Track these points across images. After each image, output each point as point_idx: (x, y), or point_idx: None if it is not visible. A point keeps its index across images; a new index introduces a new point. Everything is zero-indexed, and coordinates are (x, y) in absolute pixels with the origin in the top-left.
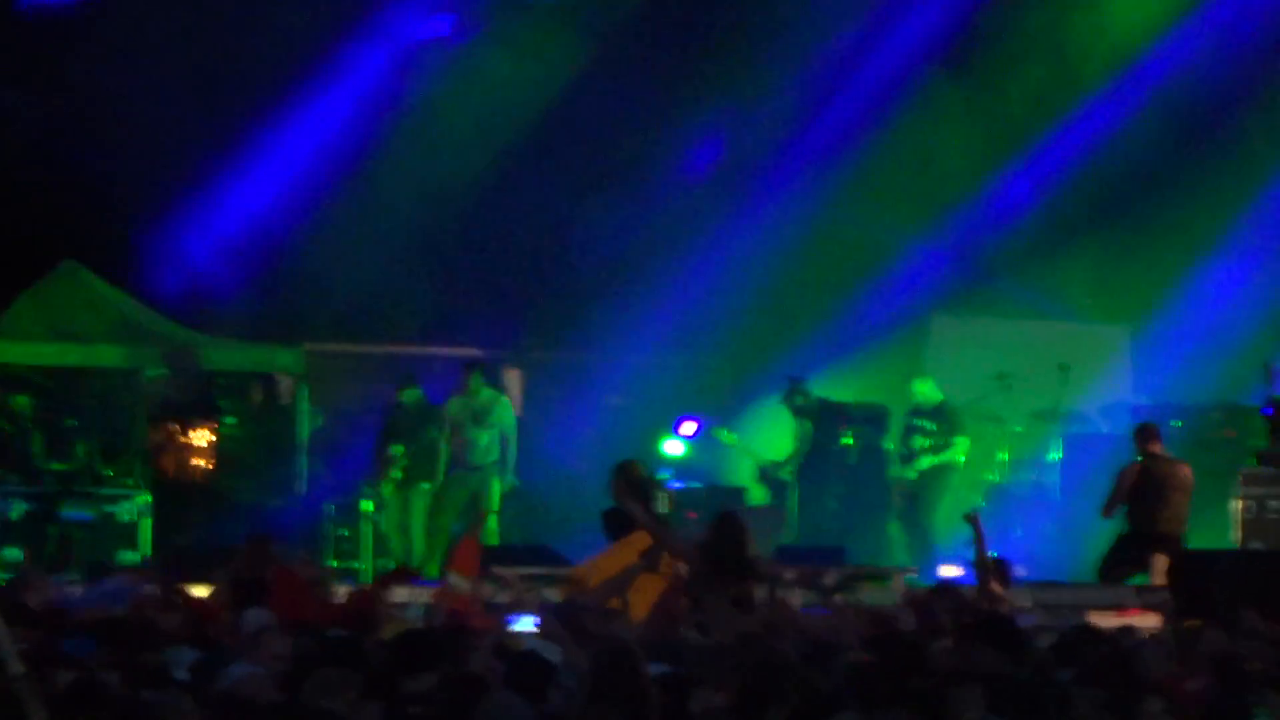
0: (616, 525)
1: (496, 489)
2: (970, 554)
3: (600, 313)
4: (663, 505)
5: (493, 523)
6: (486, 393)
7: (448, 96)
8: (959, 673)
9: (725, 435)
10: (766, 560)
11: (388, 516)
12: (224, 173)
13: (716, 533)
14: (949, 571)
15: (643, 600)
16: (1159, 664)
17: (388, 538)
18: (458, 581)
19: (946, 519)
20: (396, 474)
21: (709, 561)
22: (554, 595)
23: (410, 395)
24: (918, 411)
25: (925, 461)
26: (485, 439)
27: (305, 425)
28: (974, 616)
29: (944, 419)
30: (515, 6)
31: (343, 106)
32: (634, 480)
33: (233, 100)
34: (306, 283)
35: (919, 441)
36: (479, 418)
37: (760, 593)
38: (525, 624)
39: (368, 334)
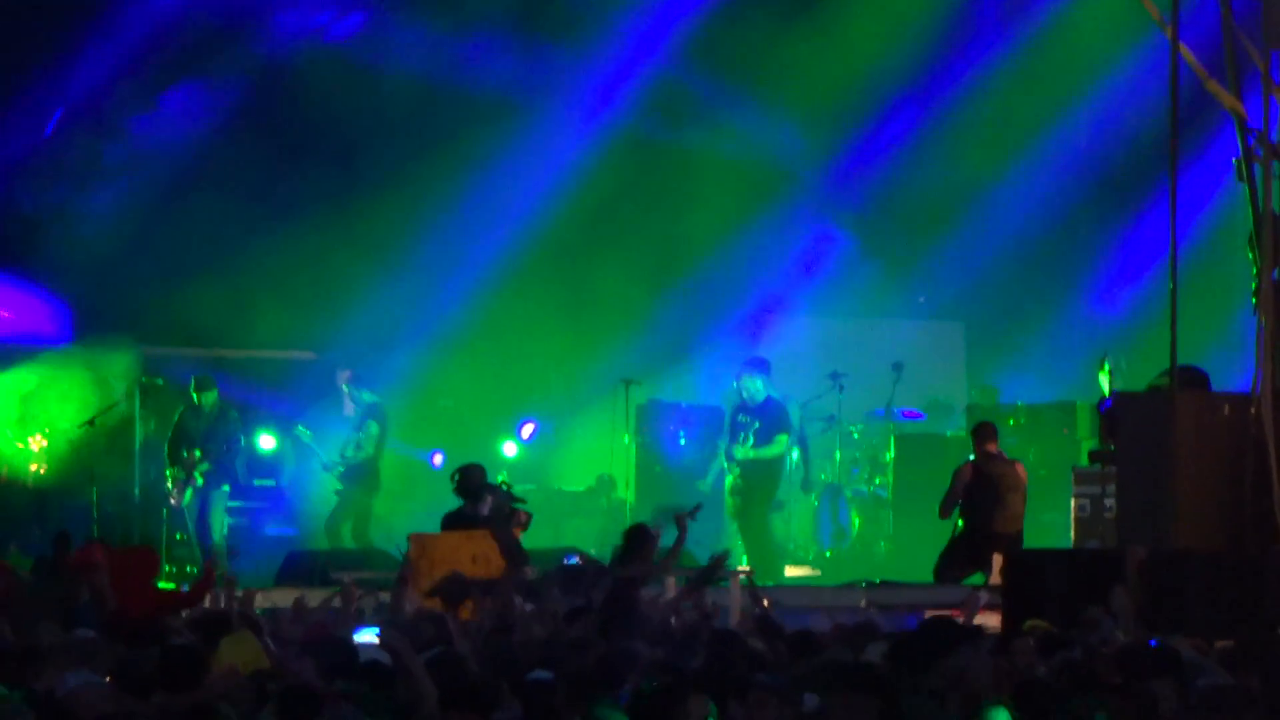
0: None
1: None
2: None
3: (429, 314)
4: (485, 508)
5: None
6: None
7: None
8: None
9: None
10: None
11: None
12: None
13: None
14: (795, 571)
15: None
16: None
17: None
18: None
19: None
20: (198, 479)
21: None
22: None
23: (208, 398)
24: (743, 408)
25: (741, 453)
26: None
27: (139, 429)
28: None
29: (767, 416)
30: None
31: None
32: (474, 483)
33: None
34: (139, 286)
35: (742, 437)
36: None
37: None
38: (368, 634)
39: (202, 338)
